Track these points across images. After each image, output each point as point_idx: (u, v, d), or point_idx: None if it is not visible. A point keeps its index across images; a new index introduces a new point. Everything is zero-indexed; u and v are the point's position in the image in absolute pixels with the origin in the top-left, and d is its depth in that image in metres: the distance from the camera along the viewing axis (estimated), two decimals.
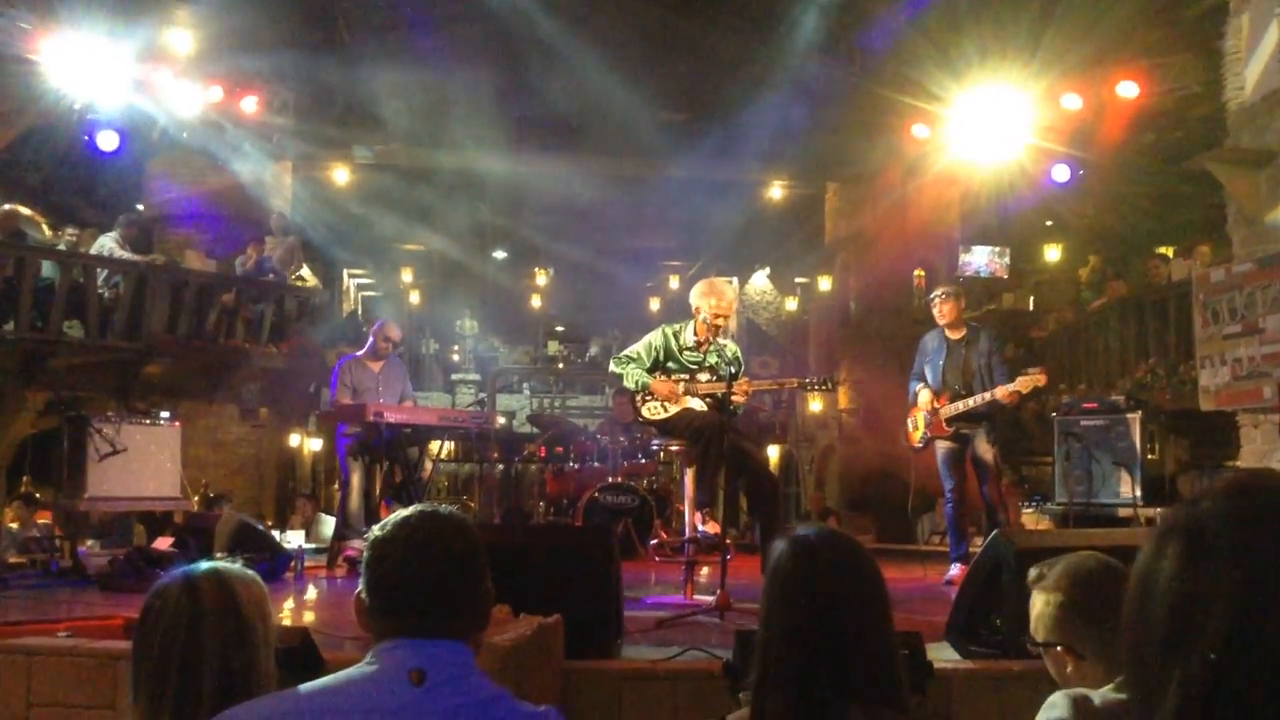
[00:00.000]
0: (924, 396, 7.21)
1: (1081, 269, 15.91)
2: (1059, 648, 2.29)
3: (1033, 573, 2.44)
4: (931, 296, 7.63)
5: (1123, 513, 8.57)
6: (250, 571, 2.18)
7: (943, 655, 3.87)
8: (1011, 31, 10.71)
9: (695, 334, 6.19)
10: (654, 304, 22.70)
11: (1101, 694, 2.10)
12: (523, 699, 1.82)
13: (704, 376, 6.14)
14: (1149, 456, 8.84)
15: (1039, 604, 2.38)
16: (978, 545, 6.74)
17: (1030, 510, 10.07)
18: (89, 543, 8.66)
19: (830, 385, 6.29)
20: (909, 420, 7.44)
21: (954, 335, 7.28)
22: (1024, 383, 6.76)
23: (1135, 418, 8.89)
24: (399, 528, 1.75)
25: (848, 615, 1.86)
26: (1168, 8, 10.72)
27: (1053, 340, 13.78)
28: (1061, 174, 11.77)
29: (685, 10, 12.00)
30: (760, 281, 22.27)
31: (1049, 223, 17.19)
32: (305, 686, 1.67)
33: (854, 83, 12.80)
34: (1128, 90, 10.36)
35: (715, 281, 6.47)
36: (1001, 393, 6.77)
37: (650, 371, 6.20)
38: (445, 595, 1.71)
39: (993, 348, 7.15)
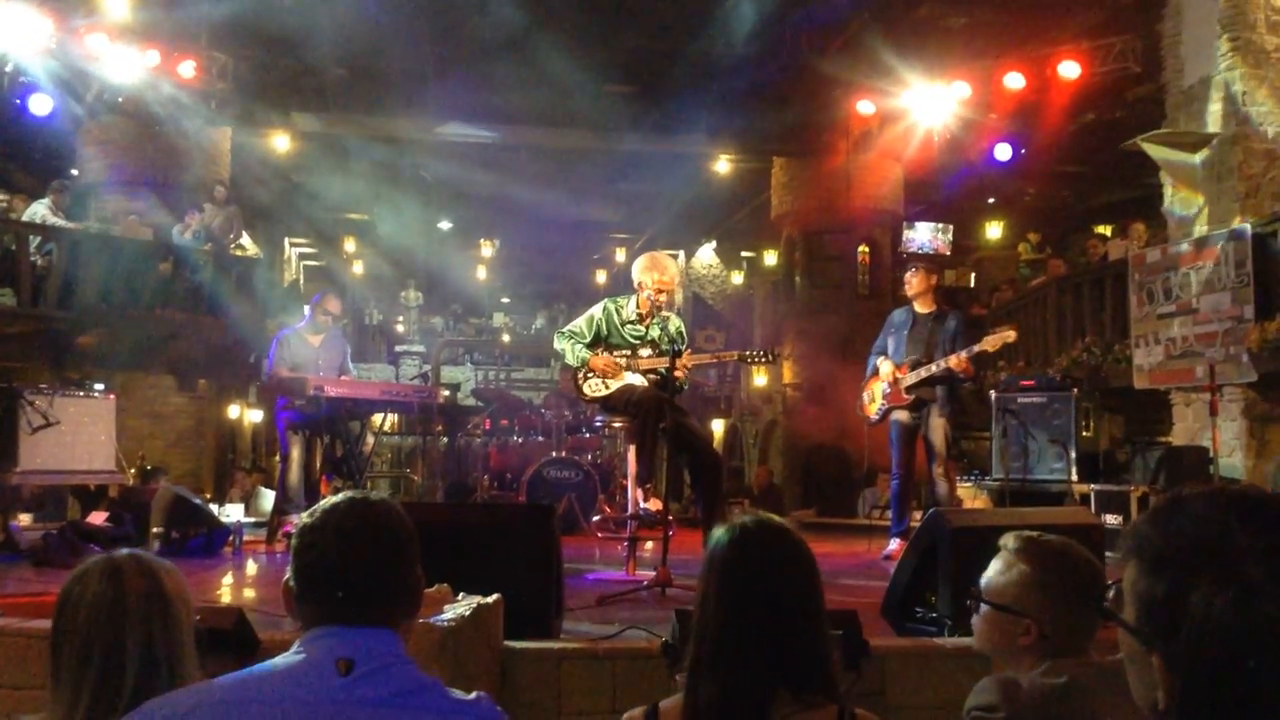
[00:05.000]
0: (885, 368, 7.27)
1: (1021, 245, 16.12)
2: (1025, 619, 2.27)
3: (1008, 539, 2.41)
4: (906, 272, 7.69)
5: (1057, 489, 8.73)
6: (169, 562, 2.15)
7: (878, 632, 3.91)
8: (955, 9, 10.77)
9: (637, 308, 6.18)
10: (600, 276, 22.66)
11: (1029, 678, 2.14)
12: (461, 679, 1.81)
13: (645, 351, 6.13)
14: (1084, 434, 9.01)
15: (1005, 568, 2.35)
16: (919, 521, 6.84)
17: (968, 485, 10.21)
18: (21, 517, 8.49)
19: (771, 358, 6.30)
20: (864, 393, 7.49)
21: (923, 310, 7.34)
22: (992, 340, 6.81)
23: (1070, 396, 9.05)
24: (327, 515, 1.73)
25: (780, 603, 1.89)
26: None
27: (993, 317, 13.96)
28: (1003, 152, 11.90)
29: None
30: (706, 255, 22.29)
31: (991, 200, 17.39)
32: (229, 676, 1.65)
33: (800, 59, 12.80)
34: (1069, 70, 10.48)
35: (657, 256, 6.44)
36: (954, 360, 6.82)
37: (593, 345, 6.17)
38: (374, 583, 1.69)
39: (959, 329, 7.20)
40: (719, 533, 2.02)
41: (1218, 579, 1.04)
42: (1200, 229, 8.62)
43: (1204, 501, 1.11)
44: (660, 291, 6.06)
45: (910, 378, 7.10)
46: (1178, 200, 9.03)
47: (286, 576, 1.74)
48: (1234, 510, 1.08)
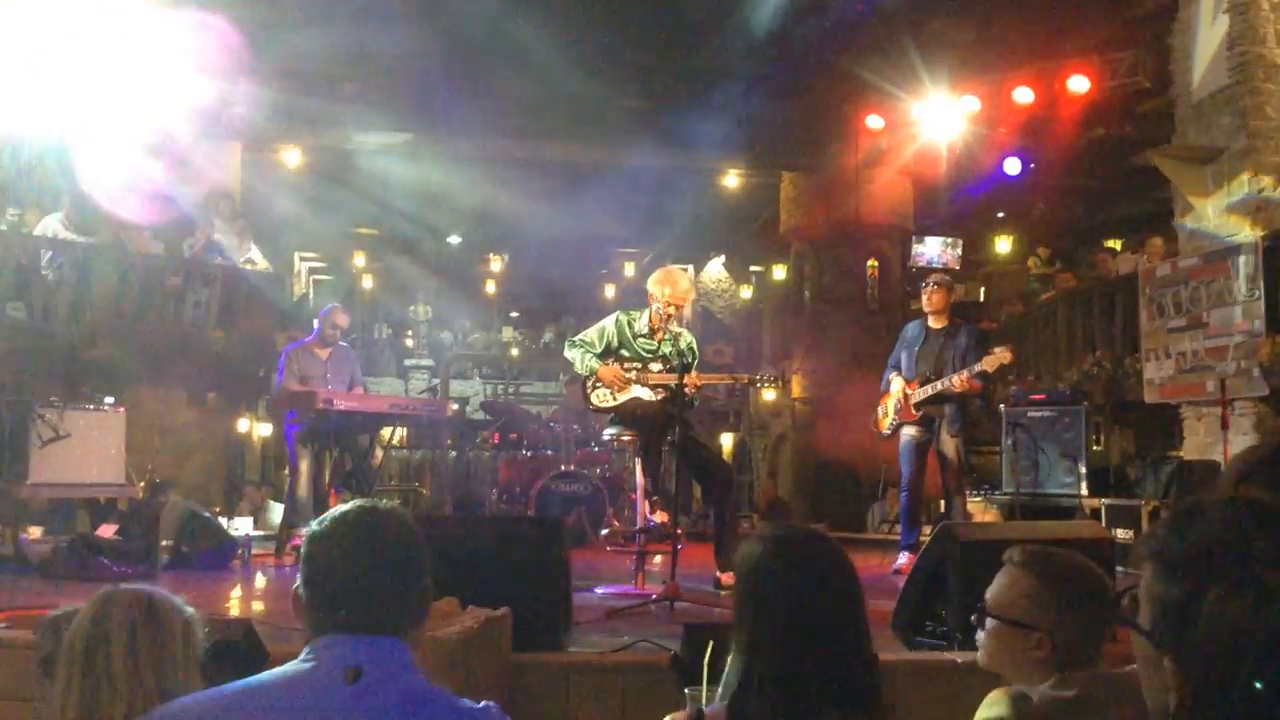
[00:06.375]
0: (896, 384, 7.32)
1: (1031, 260, 16.09)
2: (1037, 632, 2.24)
3: (1013, 553, 2.39)
4: (923, 285, 7.71)
5: (1068, 503, 8.70)
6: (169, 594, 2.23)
7: (887, 647, 3.90)
8: (964, 24, 10.78)
9: (649, 321, 6.19)
10: (609, 291, 22.67)
11: (1040, 691, 2.12)
12: (470, 692, 1.80)
13: (656, 366, 6.13)
14: (1094, 448, 8.97)
15: (1012, 582, 2.32)
16: (928, 535, 6.82)
17: (978, 500, 10.17)
18: (31, 530, 8.50)
19: (779, 382, 6.31)
20: (879, 408, 7.53)
21: (936, 325, 7.36)
22: (990, 361, 6.83)
23: (1081, 410, 9.02)
24: (336, 523, 1.73)
25: (828, 615, 1.83)
26: (1118, 3, 10.82)
27: (1002, 332, 13.92)
28: (1013, 166, 11.88)
29: None
30: (715, 269, 22.29)
31: (1000, 214, 17.36)
32: (238, 684, 1.65)
33: (809, 73, 12.81)
34: (1078, 84, 10.47)
35: (672, 270, 6.47)
36: (958, 380, 6.83)
37: (603, 357, 6.18)
38: (382, 592, 1.69)
39: (971, 344, 7.20)
40: (752, 546, 1.94)
41: (1233, 583, 1.04)
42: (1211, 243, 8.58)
43: (1223, 509, 1.11)
44: (670, 305, 6.08)
45: (918, 394, 7.13)
46: (1188, 215, 9.01)
47: (296, 585, 1.75)
48: (1252, 517, 1.08)
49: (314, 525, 1.78)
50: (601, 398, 6.14)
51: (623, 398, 6.07)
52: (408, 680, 1.63)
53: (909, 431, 7.26)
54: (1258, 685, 1.00)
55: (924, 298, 7.51)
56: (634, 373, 6.12)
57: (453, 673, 3.04)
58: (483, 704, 1.67)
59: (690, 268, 21.36)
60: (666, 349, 6.15)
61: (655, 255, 20.48)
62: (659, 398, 6.07)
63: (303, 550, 1.77)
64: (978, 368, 6.86)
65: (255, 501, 11.93)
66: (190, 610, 2.23)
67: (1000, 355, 6.89)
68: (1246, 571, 1.04)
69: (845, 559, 1.93)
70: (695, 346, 6.34)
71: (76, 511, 9.39)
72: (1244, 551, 1.06)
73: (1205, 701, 1.05)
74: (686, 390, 5.67)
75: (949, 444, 7.13)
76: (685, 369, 5.67)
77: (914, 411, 7.16)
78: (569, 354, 6.36)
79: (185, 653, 2.12)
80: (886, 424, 7.43)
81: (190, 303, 12.66)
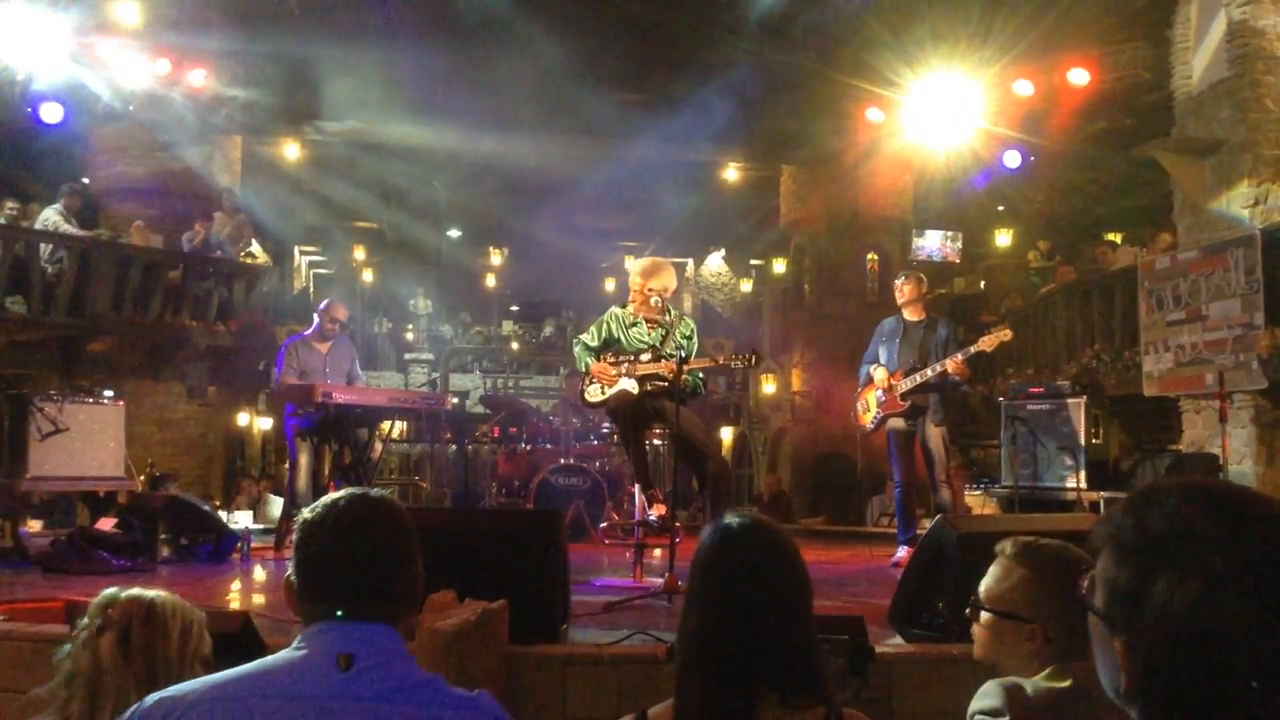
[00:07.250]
0: (879, 375, 7.28)
1: (1031, 253, 16.08)
2: (1030, 624, 2.24)
3: (1004, 545, 2.39)
4: (894, 280, 7.73)
5: (1066, 496, 8.70)
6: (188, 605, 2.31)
7: (885, 638, 3.90)
8: (964, 17, 10.76)
9: (633, 312, 6.20)
10: (609, 284, 22.67)
11: (1033, 683, 2.12)
12: (466, 684, 1.80)
13: (646, 357, 6.10)
14: (1093, 441, 8.98)
15: (1004, 575, 2.32)
16: (926, 528, 6.83)
17: (977, 493, 10.19)
18: (31, 523, 8.52)
19: (752, 362, 6.24)
20: (859, 403, 7.50)
21: (913, 318, 7.35)
22: (988, 340, 6.87)
23: (1080, 403, 9.03)
24: (327, 511, 1.74)
25: (763, 603, 1.86)
26: None
27: (1001, 324, 13.91)
28: (1013, 160, 11.86)
29: None
30: (715, 263, 22.28)
31: (1000, 208, 17.35)
32: (232, 671, 1.65)
33: (809, 67, 12.80)
34: (1078, 77, 10.44)
35: (644, 259, 6.48)
36: (951, 363, 6.84)
37: (603, 350, 6.19)
38: (374, 579, 1.70)
39: (950, 336, 7.22)
40: (705, 532, 2.01)
41: (1182, 570, 1.06)
42: (1211, 235, 8.57)
43: (1178, 494, 1.12)
44: (640, 292, 6.05)
45: (905, 384, 7.11)
46: (1188, 208, 9.01)
47: (288, 573, 1.75)
48: (1203, 502, 1.10)
49: (305, 513, 1.79)
50: (593, 394, 6.13)
51: (611, 391, 6.06)
52: (400, 667, 1.63)
53: (895, 424, 7.24)
54: (1254, 685, 1.01)
55: (896, 291, 7.52)
56: (624, 365, 6.09)
57: (450, 664, 3.04)
58: (476, 692, 1.67)
59: (689, 261, 21.36)
60: (657, 338, 6.12)
61: (655, 249, 20.47)
62: (640, 389, 6.03)
63: (294, 539, 1.78)
64: (973, 349, 6.90)
65: (253, 495, 11.94)
66: (197, 615, 2.26)
67: (999, 333, 6.92)
68: (1194, 557, 1.06)
69: (788, 548, 1.95)
70: (693, 334, 6.28)
71: (76, 505, 9.41)
72: (1192, 536, 1.07)
73: (1153, 683, 1.07)
74: (669, 377, 5.67)
75: (934, 434, 7.13)
76: (682, 361, 5.65)
77: (900, 402, 7.14)
78: (575, 351, 6.40)
79: (181, 658, 2.17)
80: (868, 419, 7.40)
81: (190, 296, 12.68)
